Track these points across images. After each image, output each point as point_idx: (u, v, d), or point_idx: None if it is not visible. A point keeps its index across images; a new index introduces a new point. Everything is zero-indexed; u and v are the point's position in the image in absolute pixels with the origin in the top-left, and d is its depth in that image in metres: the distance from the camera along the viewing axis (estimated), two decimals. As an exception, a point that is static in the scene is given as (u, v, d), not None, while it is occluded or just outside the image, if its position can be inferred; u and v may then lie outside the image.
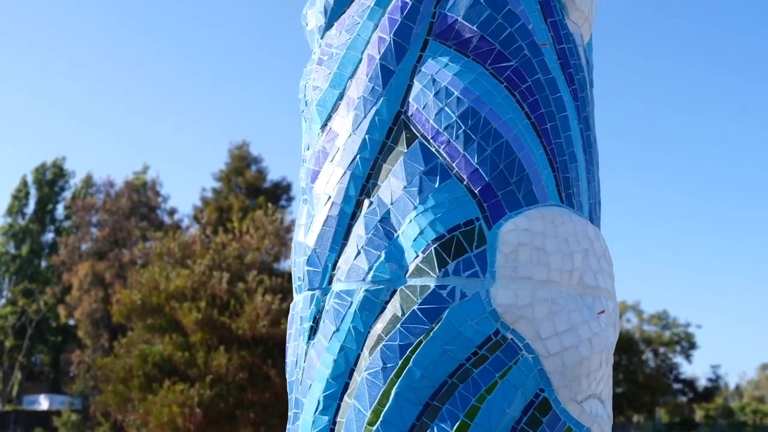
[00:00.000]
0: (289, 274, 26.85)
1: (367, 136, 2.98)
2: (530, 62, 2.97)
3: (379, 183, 2.93)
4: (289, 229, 28.84)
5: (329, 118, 3.13)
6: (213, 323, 24.38)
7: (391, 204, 2.88)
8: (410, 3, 3.04)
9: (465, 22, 2.98)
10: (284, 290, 25.63)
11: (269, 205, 29.54)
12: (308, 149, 3.29)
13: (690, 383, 67.87)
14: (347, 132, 3.03)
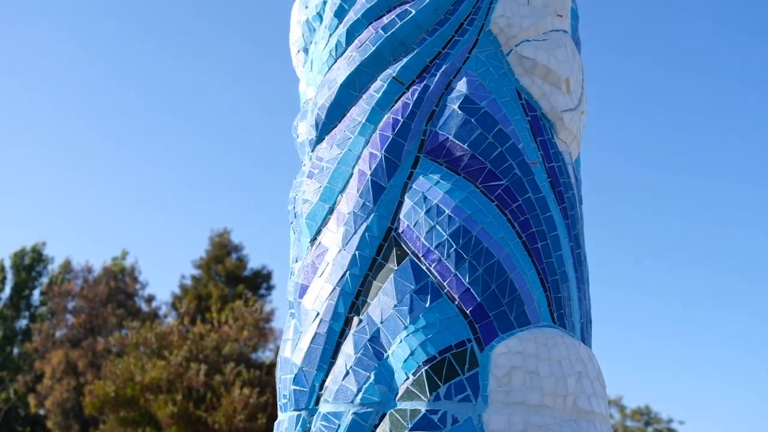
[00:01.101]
0: (268, 366, 26.39)
1: (357, 252, 2.95)
2: (521, 181, 2.98)
3: (368, 300, 2.89)
4: (269, 319, 28.52)
5: (319, 232, 3.11)
6: (189, 417, 23.75)
7: (381, 323, 2.83)
8: (401, 120, 3.07)
9: (456, 141, 3.00)
10: (262, 383, 25.13)
11: (249, 294, 29.26)
12: (297, 262, 3.25)
13: (674, 480, 66.57)
14: (337, 247, 3.00)
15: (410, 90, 3.10)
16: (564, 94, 3.21)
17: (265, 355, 28.11)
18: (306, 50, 3.61)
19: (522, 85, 3.16)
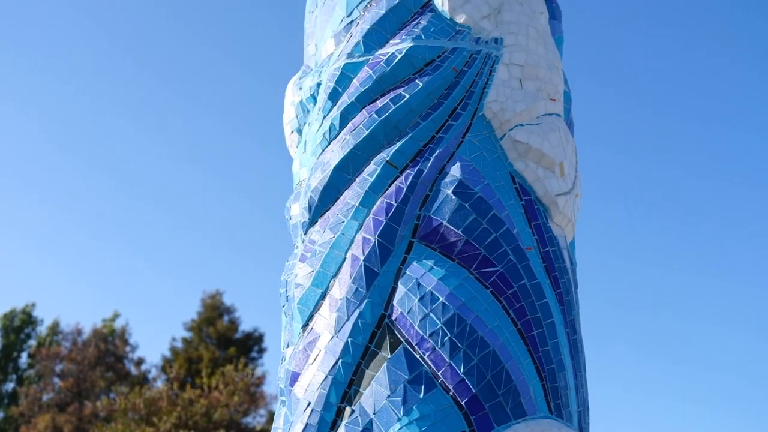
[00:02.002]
0: (259, 432, 25.88)
1: (349, 340, 2.89)
2: (516, 267, 2.95)
3: (361, 390, 2.82)
4: (260, 383, 28.10)
5: (311, 317, 3.05)
6: (176, 485, 23.15)
7: (374, 414, 2.75)
8: (395, 204, 3.04)
9: (450, 226, 2.98)
10: (252, 449, 24.59)
11: (240, 358, 28.90)
12: (288, 347, 3.19)
13: None
14: (329, 334, 2.95)
15: (404, 174, 3.09)
16: (558, 177, 3.20)
17: (255, 421, 27.62)
18: (300, 131, 3.61)
19: (516, 170, 3.16)
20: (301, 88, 3.61)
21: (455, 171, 3.05)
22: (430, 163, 3.08)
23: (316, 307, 3.03)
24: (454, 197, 2.99)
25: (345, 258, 3.03)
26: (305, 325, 3.05)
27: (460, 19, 3.32)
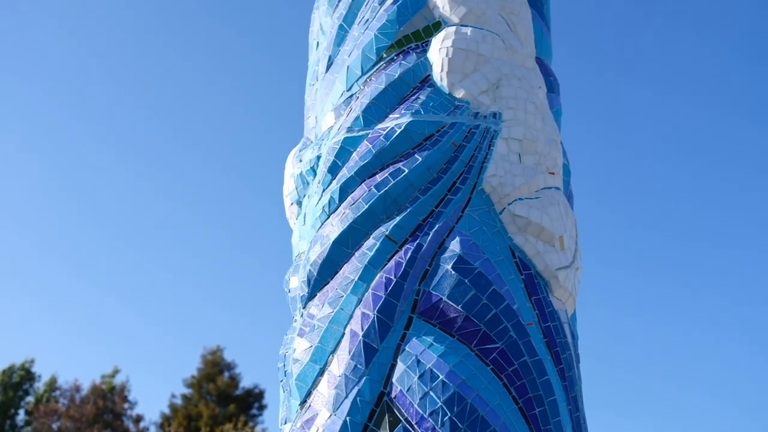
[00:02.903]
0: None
1: (348, 419, 2.85)
2: (516, 344, 2.92)
3: (360, 471, 2.77)
4: (260, 441, 27.67)
5: (309, 393, 3.02)
6: None
7: (373, 496, 2.69)
8: (394, 280, 3.03)
9: (450, 302, 2.96)
10: None
11: (240, 416, 28.52)
12: (285, 423, 3.14)
13: None
14: (327, 412, 2.91)
15: (403, 249, 3.08)
16: (558, 251, 3.19)
17: (255, 480, 27.12)
18: (299, 203, 3.62)
19: (516, 244, 3.15)
20: (301, 161, 3.63)
21: (455, 246, 3.04)
22: (429, 237, 3.08)
23: (315, 384, 2.99)
24: (453, 272, 2.98)
25: (344, 333, 3.01)
26: (303, 402, 3.01)
27: (459, 94, 3.35)
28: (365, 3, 3.68)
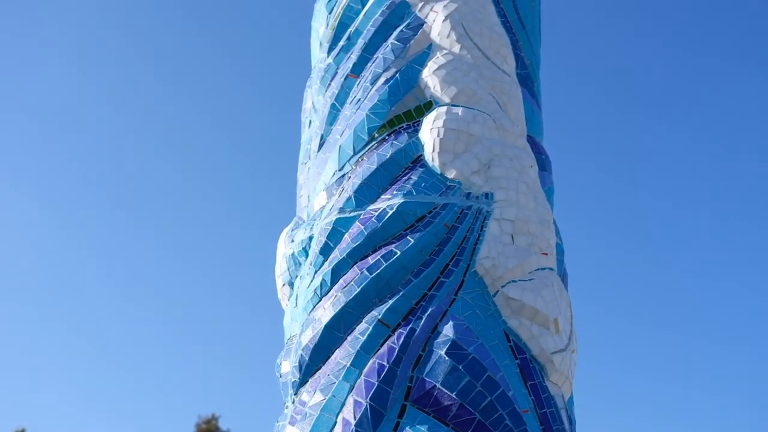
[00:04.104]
0: None
1: None
2: (512, 433, 2.85)
3: None
4: None
5: (301, 485, 2.93)
6: None
7: None
8: (387, 366, 2.97)
9: (443, 389, 2.90)
10: None
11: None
12: None
13: None
14: (319, 505, 2.81)
15: (396, 333, 3.04)
16: (553, 334, 3.14)
17: None
18: (291, 284, 3.58)
19: (510, 327, 3.11)
20: (293, 241, 3.60)
21: (448, 330, 3.00)
22: (422, 322, 3.03)
23: (306, 477, 2.91)
24: (447, 358, 2.93)
25: (336, 422, 2.94)
26: (295, 495, 2.92)
27: (451, 174, 3.35)
28: (357, 83, 3.70)
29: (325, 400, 3.00)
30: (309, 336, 3.17)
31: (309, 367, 3.16)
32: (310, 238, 3.48)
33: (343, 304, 3.14)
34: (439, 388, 2.90)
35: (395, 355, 2.98)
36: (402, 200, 3.27)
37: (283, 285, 3.63)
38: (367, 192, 3.37)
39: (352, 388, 2.98)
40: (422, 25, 3.68)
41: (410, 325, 3.04)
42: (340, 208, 3.39)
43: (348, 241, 3.28)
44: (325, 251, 3.34)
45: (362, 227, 3.27)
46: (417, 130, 3.49)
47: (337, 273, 3.24)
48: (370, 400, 2.92)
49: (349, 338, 3.09)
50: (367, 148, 3.50)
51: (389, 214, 3.26)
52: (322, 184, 3.58)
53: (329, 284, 3.24)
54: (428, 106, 3.56)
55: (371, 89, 3.62)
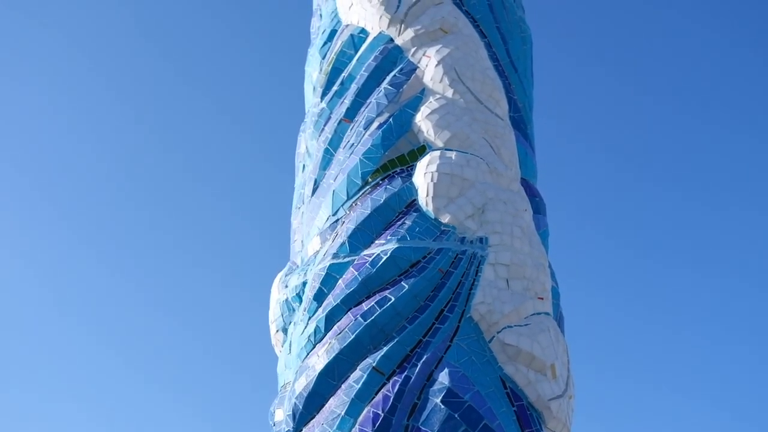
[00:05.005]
0: None
1: None
2: (510, 482, 2.80)
3: None
4: None
5: None
6: None
7: None
8: (382, 415, 2.93)
9: (440, 441, 2.85)
10: None
11: None
12: None
13: None
14: None
15: (391, 381, 3.00)
16: (550, 380, 3.11)
17: None
18: (285, 330, 3.54)
19: (506, 373, 3.07)
20: (287, 286, 3.57)
21: (443, 378, 2.96)
22: (417, 369, 3.00)
23: None
24: (443, 407, 2.89)
25: (332, 470, 2.88)
26: None
27: (445, 219, 3.34)
28: (350, 127, 3.70)
29: (319, 450, 2.95)
30: (303, 384, 3.14)
31: (303, 416, 3.11)
32: (304, 283, 3.45)
33: (337, 352, 3.11)
34: (436, 444, 2.85)
35: (390, 403, 2.94)
36: (396, 245, 3.26)
37: (277, 331, 3.60)
38: (361, 237, 3.36)
39: (347, 438, 2.93)
40: (415, 69, 3.69)
41: (405, 373, 3.00)
42: (334, 253, 3.37)
43: (342, 287, 3.26)
44: (319, 297, 3.31)
45: (356, 273, 3.25)
46: (411, 175, 3.49)
47: (331, 319, 3.21)
48: (365, 449, 2.87)
49: (343, 386, 3.05)
50: (360, 193, 3.49)
51: (383, 260, 3.24)
52: (315, 229, 3.57)
53: (323, 331, 3.21)
54: (422, 150, 3.56)
55: (364, 134, 3.62)
